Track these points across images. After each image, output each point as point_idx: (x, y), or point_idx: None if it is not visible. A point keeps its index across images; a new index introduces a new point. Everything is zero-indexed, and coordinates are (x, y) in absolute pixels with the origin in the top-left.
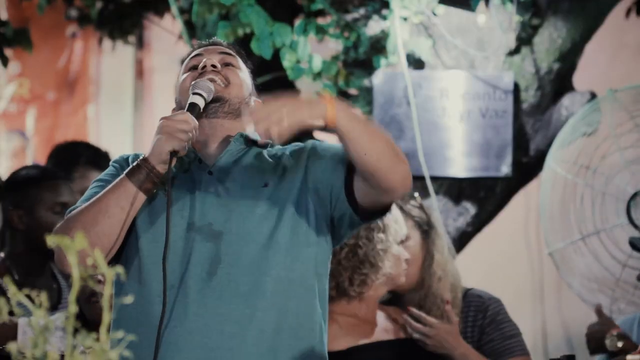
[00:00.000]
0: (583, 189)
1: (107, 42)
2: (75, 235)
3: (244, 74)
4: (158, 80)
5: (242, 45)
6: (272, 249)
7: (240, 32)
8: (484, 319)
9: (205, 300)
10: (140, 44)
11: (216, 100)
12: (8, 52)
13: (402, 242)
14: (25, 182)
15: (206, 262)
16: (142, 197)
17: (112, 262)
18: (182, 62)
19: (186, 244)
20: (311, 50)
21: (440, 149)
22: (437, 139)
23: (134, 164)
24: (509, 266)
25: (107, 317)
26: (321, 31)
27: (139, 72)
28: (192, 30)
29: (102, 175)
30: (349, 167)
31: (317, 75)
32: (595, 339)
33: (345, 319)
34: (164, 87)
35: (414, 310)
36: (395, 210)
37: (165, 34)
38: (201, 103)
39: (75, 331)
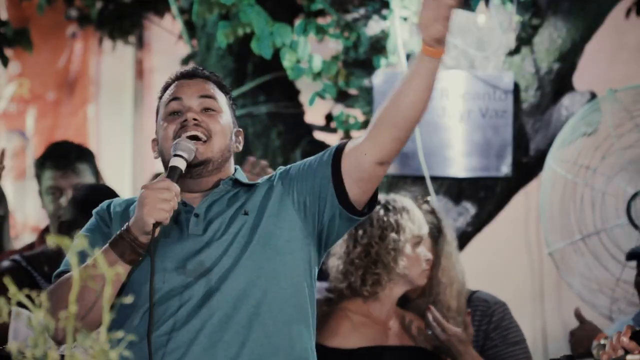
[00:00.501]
0: (583, 189)
1: (107, 42)
2: (62, 311)
3: (224, 116)
4: (158, 80)
5: (242, 45)
6: (262, 277)
7: (240, 32)
8: (489, 324)
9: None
10: (140, 44)
11: (199, 164)
12: (8, 52)
13: (419, 242)
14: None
15: (198, 303)
16: (126, 267)
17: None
18: (162, 92)
19: (175, 287)
20: (311, 50)
21: (440, 149)
22: (437, 139)
23: (117, 233)
24: (509, 266)
25: (107, 317)
26: (321, 31)
27: (139, 72)
28: (192, 30)
29: (84, 229)
30: (334, 164)
31: (317, 75)
32: (580, 345)
33: (358, 318)
34: None
35: (435, 313)
36: (414, 209)
37: (165, 34)
38: (182, 165)
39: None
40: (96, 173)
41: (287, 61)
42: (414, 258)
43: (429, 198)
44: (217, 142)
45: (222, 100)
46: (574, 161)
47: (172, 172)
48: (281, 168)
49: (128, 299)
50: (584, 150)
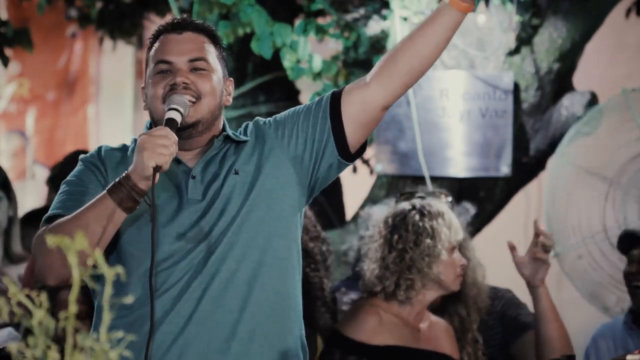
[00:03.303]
0: (589, 189)
1: (107, 42)
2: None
3: (215, 74)
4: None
5: (242, 45)
6: (259, 237)
7: (240, 31)
8: (499, 303)
9: (203, 305)
10: (141, 44)
11: (189, 126)
12: (8, 52)
13: (454, 247)
14: None
15: (198, 269)
16: (122, 215)
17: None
18: (151, 41)
19: (176, 253)
20: (311, 50)
21: (440, 149)
22: (437, 139)
23: (116, 180)
24: (509, 266)
25: (107, 316)
26: (321, 31)
27: (139, 72)
28: None
29: (71, 175)
30: (332, 112)
31: (317, 75)
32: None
33: (388, 317)
34: None
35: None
36: (450, 214)
37: None
38: (178, 118)
39: (75, 331)
40: (10, 199)
41: (287, 61)
42: (449, 263)
43: (449, 198)
44: (207, 103)
45: (212, 56)
46: (580, 161)
47: (168, 124)
48: (261, 120)
49: (129, 299)
50: (591, 150)
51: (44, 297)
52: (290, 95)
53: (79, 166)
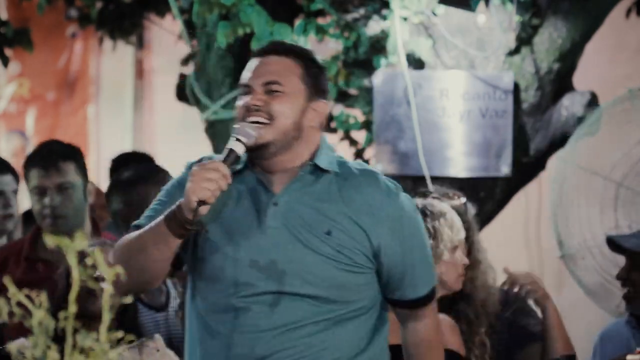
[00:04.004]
0: (595, 190)
1: (107, 42)
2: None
3: (290, 96)
4: (158, 80)
5: (242, 45)
6: (330, 290)
7: (240, 32)
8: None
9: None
10: (140, 44)
11: (259, 147)
12: (8, 52)
13: (456, 247)
14: (134, 180)
15: (265, 303)
16: (176, 240)
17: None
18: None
19: (246, 279)
20: None
21: (440, 149)
22: (437, 139)
23: (171, 209)
24: (509, 266)
25: (106, 316)
26: (321, 31)
27: (139, 72)
28: (192, 30)
29: (170, 182)
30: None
31: None
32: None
33: (392, 316)
34: (164, 87)
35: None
36: (452, 214)
37: (165, 34)
38: (240, 149)
39: (75, 331)
40: (83, 171)
41: None
42: (451, 264)
43: (463, 198)
44: (280, 124)
45: (294, 77)
46: (586, 161)
47: (227, 155)
48: (374, 177)
49: (127, 299)
50: (596, 151)
51: (43, 297)
52: None
53: (180, 174)
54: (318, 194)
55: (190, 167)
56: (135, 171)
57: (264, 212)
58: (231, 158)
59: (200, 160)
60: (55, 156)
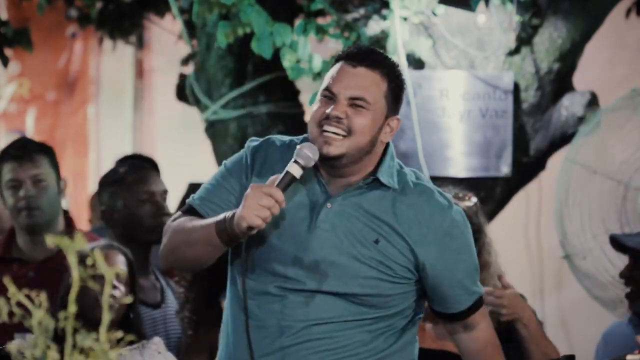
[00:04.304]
0: (600, 189)
1: (107, 42)
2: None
3: (372, 113)
4: (158, 80)
5: (242, 45)
6: (368, 296)
7: (240, 31)
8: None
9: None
10: (140, 44)
11: (332, 158)
12: (8, 52)
13: None
14: (112, 181)
15: (301, 296)
16: (222, 247)
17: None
18: (334, 61)
19: (288, 273)
20: (311, 50)
21: (440, 149)
22: (437, 139)
23: (222, 216)
24: (509, 266)
25: (106, 317)
26: (321, 31)
27: (139, 72)
28: (192, 30)
29: (230, 159)
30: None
31: (317, 75)
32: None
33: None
34: (164, 87)
35: (487, 288)
36: None
37: (165, 34)
38: (297, 173)
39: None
40: (56, 167)
41: (287, 61)
42: None
43: (474, 199)
44: (356, 139)
45: (378, 93)
46: (591, 161)
47: (284, 177)
48: (428, 193)
49: (127, 299)
50: (602, 150)
51: (43, 297)
52: (290, 95)
53: (241, 152)
54: (372, 204)
55: (250, 146)
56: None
57: (317, 212)
58: (287, 181)
59: (258, 144)
60: (28, 149)
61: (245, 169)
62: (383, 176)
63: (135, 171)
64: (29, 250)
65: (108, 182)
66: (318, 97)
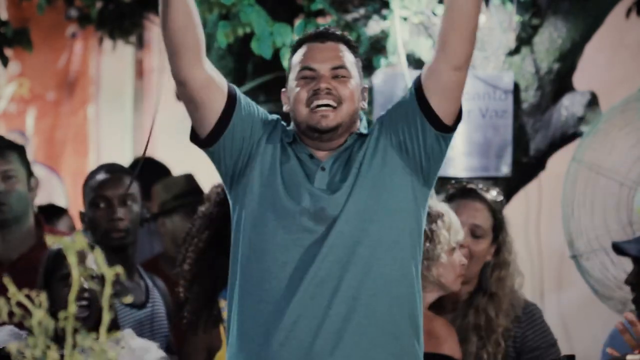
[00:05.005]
0: (607, 190)
1: (107, 42)
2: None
3: (353, 81)
4: (158, 81)
5: (242, 45)
6: (374, 223)
7: (240, 31)
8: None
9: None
10: (140, 44)
11: (330, 130)
12: (8, 52)
13: (454, 248)
14: (83, 185)
15: (309, 242)
16: None
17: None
18: (293, 51)
19: (301, 230)
20: None
21: None
22: None
23: None
24: None
25: (106, 317)
26: None
27: (139, 72)
28: None
29: (264, 113)
30: (417, 93)
31: None
32: None
33: (449, 329)
34: (164, 87)
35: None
36: (450, 214)
37: None
38: None
39: (75, 331)
40: (26, 164)
41: (287, 61)
42: (449, 265)
43: (500, 197)
44: (347, 107)
45: (350, 63)
46: (599, 161)
47: None
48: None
49: (127, 299)
50: (610, 150)
51: (43, 297)
52: None
53: (273, 118)
54: (357, 153)
55: (279, 124)
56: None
57: (313, 176)
58: None
59: (284, 126)
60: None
61: (263, 128)
62: (363, 129)
63: (95, 175)
64: (1, 249)
65: (83, 185)
66: (293, 83)
